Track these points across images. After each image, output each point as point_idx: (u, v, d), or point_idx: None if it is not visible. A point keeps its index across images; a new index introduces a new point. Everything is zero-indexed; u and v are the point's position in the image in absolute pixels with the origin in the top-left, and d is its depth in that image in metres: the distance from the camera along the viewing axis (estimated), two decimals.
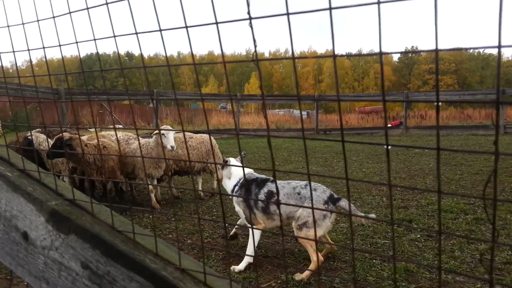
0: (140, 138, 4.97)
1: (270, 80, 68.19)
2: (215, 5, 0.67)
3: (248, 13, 0.57)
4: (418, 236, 3.94)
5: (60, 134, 4.53)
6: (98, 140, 1.22)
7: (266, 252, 3.77)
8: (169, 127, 4.95)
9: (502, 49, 0.48)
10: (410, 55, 61.49)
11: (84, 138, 5.08)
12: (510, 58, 59.88)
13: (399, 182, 6.60)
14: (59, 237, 0.92)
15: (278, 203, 3.04)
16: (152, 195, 5.30)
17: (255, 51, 0.60)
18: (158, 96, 14.65)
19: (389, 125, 17.62)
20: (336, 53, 0.57)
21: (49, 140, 5.05)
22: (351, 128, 19.00)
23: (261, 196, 3.25)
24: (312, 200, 1.03)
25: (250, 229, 3.58)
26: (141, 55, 0.77)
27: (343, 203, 3.12)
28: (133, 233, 0.88)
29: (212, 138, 5.38)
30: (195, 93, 19.13)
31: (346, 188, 0.65)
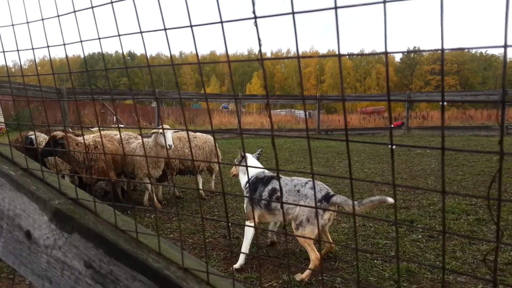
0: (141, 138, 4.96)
1: (272, 80, 68.27)
2: (219, 4, 0.66)
3: (254, 12, 0.57)
4: (420, 236, 3.94)
5: (53, 133, 4.52)
6: (101, 139, 1.22)
7: (267, 252, 3.77)
8: (168, 127, 4.97)
9: (508, 49, 0.48)
10: (412, 55, 61.31)
11: (89, 137, 5.07)
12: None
13: (401, 183, 6.60)
14: (62, 236, 0.92)
15: (281, 203, 3.05)
16: (147, 194, 5.36)
17: (260, 50, 0.60)
18: (160, 96, 14.66)
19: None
20: (340, 53, 0.57)
21: None
22: (353, 128, 18.95)
23: (265, 193, 3.35)
24: (315, 198, 1.03)
25: (245, 227, 3.70)
26: (146, 54, 0.77)
27: (338, 199, 3.11)
28: (136, 233, 0.88)
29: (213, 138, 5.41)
30: (197, 93, 19.12)
31: (348, 188, 0.65)
